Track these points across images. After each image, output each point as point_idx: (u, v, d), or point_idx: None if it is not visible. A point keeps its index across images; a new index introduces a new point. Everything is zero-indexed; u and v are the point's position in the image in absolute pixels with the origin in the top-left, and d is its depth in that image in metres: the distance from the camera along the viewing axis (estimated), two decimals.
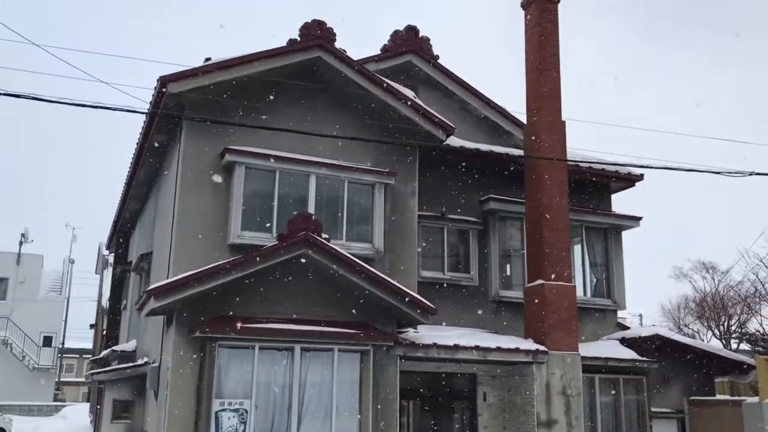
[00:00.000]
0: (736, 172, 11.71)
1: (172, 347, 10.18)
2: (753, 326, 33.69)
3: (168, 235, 11.41)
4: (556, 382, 12.12)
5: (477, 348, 11.77)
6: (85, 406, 30.53)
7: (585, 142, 26.72)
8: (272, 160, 11.31)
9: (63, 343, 41.66)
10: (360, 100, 12.11)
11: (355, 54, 12.40)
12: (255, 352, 10.28)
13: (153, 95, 11.14)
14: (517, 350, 11.97)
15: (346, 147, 11.80)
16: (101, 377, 13.82)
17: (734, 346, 35.12)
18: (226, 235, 10.97)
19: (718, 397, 15.53)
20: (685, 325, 40.72)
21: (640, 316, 44.42)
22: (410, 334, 11.76)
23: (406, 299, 10.96)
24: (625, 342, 13.70)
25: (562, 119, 13.37)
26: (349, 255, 10.74)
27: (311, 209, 11.34)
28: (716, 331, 38.18)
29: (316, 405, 10.52)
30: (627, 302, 15.20)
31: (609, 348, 13.50)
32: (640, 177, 15.32)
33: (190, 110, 11.18)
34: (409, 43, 14.85)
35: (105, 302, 24.68)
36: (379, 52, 14.65)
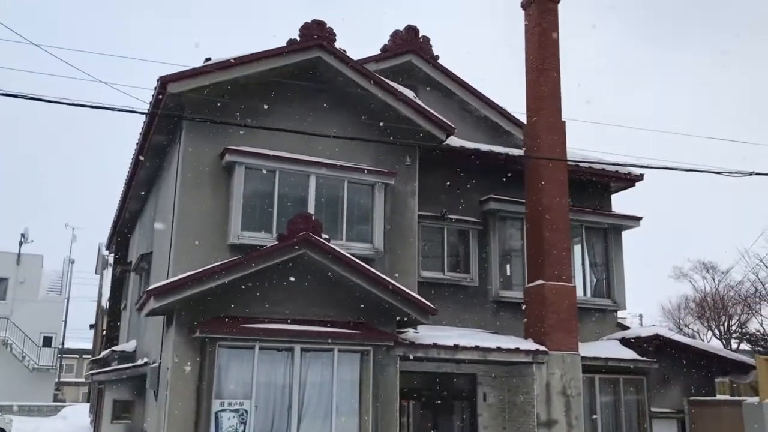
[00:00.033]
0: (736, 172, 11.71)
1: (172, 347, 10.18)
2: (753, 326, 33.75)
3: (168, 235, 11.41)
4: (556, 382, 12.12)
5: (477, 348, 11.77)
6: (85, 407, 30.52)
7: (585, 142, 26.72)
8: (272, 161, 11.31)
9: (63, 344, 41.66)
10: (360, 100, 12.11)
11: (355, 54, 12.42)
12: (255, 353, 10.28)
13: (153, 95, 11.14)
14: (517, 350, 11.97)
15: (346, 147, 11.80)
16: (101, 377, 13.83)
17: (734, 346, 35.13)
18: (226, 236, 10.97)
19: (718, 397, 15.52)
20: (685, 325, 40.73)
21: (640, 316, 44.45)
22: (410, 334, 11.76)
23: (406, 299, 10.96)
24: (625, 342, 13.70)
25: (562, 119, 13.37)
26: (349, 255, 10.74)
27: (311, 209, 11.34)
28: (716, 331, 38.19)
29: (316, 405, 10.52)
30: (627, 302, 15.21)
31: (609, 348, 13.51)
32: (640, 177, 15.32)
33: (190, 110, 11.17)
34: (409, 43, 14.84)
35: (105, 302, 24.68)
36: (379, 52, 14.64)
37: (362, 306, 11.05)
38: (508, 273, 14.26)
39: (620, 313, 15.99)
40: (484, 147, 14.10)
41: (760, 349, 28.71)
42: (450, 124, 12.57)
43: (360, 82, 11.93)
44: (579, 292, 13.72)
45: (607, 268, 15.07)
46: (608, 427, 13.18)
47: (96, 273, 35.35)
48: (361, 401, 10.71)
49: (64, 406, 34.44)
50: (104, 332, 22.93)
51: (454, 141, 13.30)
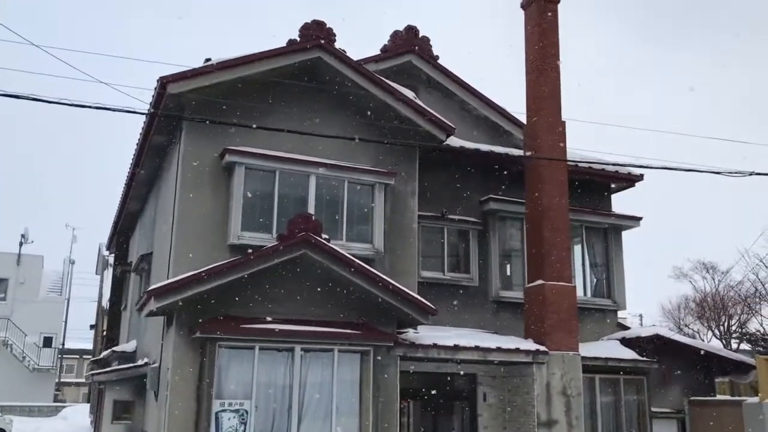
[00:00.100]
0: (736, 172, 11.71)
1: (173, 348, 10.18)
2: (753, 326, 33.74)
3: (168, 235, 11.41)
4: (557, 382, 12.12)
5: (477, 348, 11.77)
6: (86, 407, 30.53)
7: (585, 142, 26.70)
8: (272, 161, 11.31)
9: (63, 344, 41.70)
10: (360, 100, 12.11)
11: (355, 54, 12.42)
12: (255, 353, 10.28)
13: (153, 96, 11.14)
14: (517, 350, 11.97)
15: (346, 147, 11.80)
16: (101, 378, 13.83)
17: (734, 346, 35.12)
18: (226, 236, 10.97)
19: (719, 397, 15.53)
20: (686, 325, 40.73)
21: (641, 316, 44.47)
22: (410, 334, 11.76)
23: (406, 299, 10.96)
24: (626, 342, 13.70)
25: (562, 119, 13.38)
26: (348, 255, 10.74)
27: (311, 209, 11.34)
28: (716, 331, 38.19)
29: (317, 405, 10.52)
30: (627, 302, 15.21)
31: (609, 348, 13.51)
32: (640, 177, 15.32)
33: (190, 111, 11.17)
34: (409, 43, 14.84)
35: (105, 303, 24.69)
36: (379, 53, 14.65)
37: (362, 306, 11.05)
38: (508, 273, 14.26)
39: (620, 313, 15.99)
40: (484, 147, 14.10)
41: (760, 349, 28.71)
42: (450, 124, 12.57)
43: (360, 82, 11.93)
44: (579, 292, 13.72)
45: (607, 268, 15.08)
46: (608, 427, 13.18)
47: (96, 273, 35.38)
48: (361, 401, 10.71)
49: (64, 407, 34.47)
50: (104, 332, 22.94)
51: (454, 141, 13.31)
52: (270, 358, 10.40)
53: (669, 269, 53.84)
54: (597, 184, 15.32)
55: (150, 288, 10.51)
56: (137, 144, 13.51)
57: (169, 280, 10.19)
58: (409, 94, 12.53)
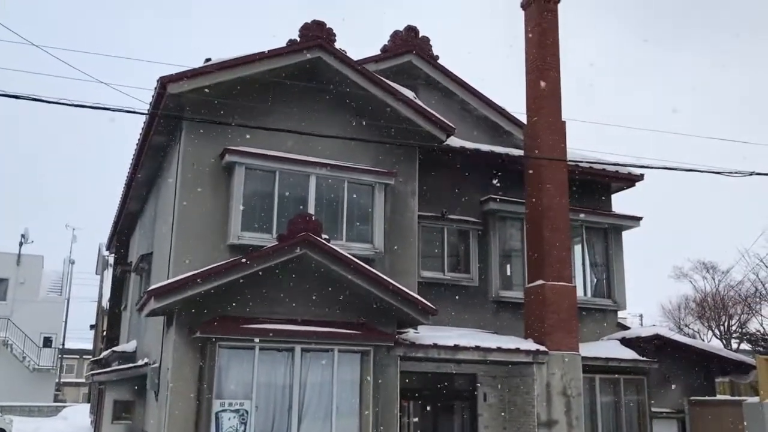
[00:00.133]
0: (736, 172, 11.71)
1: (173, 348, 10.18)
2: (753, 326, 33.72)
3: (168, 235, 11.41)
4: (557, 382, 12.12)
5: (477, 348, 11.77)
6: (86, 407, 30.51)
7: (585, 142, 26.70)
8: (272, 161, 11.31)
9: (63, 344, 41.70)
10: (360, 100, 12.11)
11: (355, 54, 12.42)
12: (255, 353, 10.28)
13: (153, 96, 11.14)
14: (517, 350, 11.97)
15: (346, 147, 11.80)
16: (102, 378, 13.83)
17: (735, 346, 35.12)
18: (226, 236, 10.97)
19: (719, 397, 15.53)
20: (686, 325, 40.72)
21: (641, 316, 44.47)
22: (410, 334, 11.76)
23: (407, 299, 10.96)
24: (626, 342, 13.69)
25: (562, 119, 13.37)
26: (348, 255, 10.74)
27: (311, 210, 11.34)
28: (716, 331, 38.18)
29: (317, 405, 10.52)
30: (627, 302, 15.21)
31: (609, 348, 13.50)
32: (641, 177, 15.32)
33: (190, 111, 11.17)
34: (409, 43, 14.84)
35: (105, 303, 24.69)
36: (379, 53, 14.64)
37: (362, 306, 11.04)
38: (509, 273, 14.26)
39: (620, 313, 15.99)
40: (484, 147, 14.10)
41: (761, 349, 28.71)
42: (450, 124, 12.57)
43: (360, 82, 11.93)
44: (579, 292, 13.72)
45: (608, 268, 15.07)
46: (608, 428, 13.18)
47: (96, 273, 35.38)
48: (361, 401, 10.71)
49: (64, 407, 34.46)
50: (105, 333, 22.94)
51: (454, 141, 13.31)
52: (270, 358, 10.40)
53: (669, 269, 53.85)
54: (597, 184, 15.32)
55: (150, 288, 10.51)
56: (137, 144, 13.50)
57: (170, 280, 10.18)
58: (409, 94, 12.53)
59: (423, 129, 12.40)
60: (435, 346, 11.51)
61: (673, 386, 13.98)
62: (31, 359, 38.10)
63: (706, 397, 14.03)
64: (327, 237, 10.78)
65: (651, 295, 60.77)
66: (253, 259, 10.25)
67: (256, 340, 10.23)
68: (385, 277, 10.94)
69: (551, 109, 13.29)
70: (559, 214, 12.87)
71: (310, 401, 10.49)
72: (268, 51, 11.39)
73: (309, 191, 11.53)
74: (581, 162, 14.07)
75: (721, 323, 38.08)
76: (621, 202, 16.96)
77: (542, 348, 12.13)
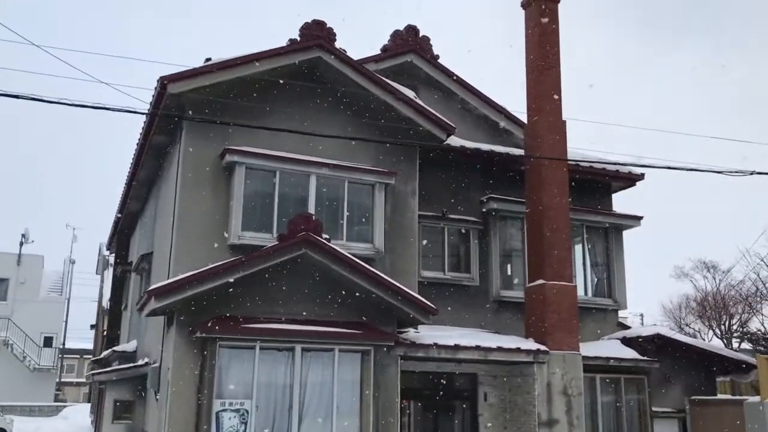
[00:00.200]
0: (737, 172, 11.70)
1: (173, 347, 10.18)
2: (754, 325, 33.71)
3: (168, 235, 11.40)
4: (557, 381, 12.11)
5: (478, 348, 11.76)
6: (86, 407, 30.55)
7: (585, 142, 26.73)
8: (272, 161, 11.30)
9: (64, 344, 41.73)
10: (360, 100, 12.10)
11: (355, 54, 12.41)
12: (256, 353, 10.27)
13: (153, 95, 11.14)
14: (518, 350, 11.96)
15: (346, 147, 11.79)
16: (102, 378, 13.82)
17: (735, 345, 35.11)
18: (226, 236, 10.97)
19: (720, 396, 15.52)
20: (687, 325, 40.72)
21: (641, 315, 44.51)
22: (411, 334, 11.76)
23: (407, 299, 10.95)
24: (626, 342, 13.68)
25: (563, 119, 13.37)
26: (349, 255, 10.74)
27: (311, 209, 11.34)
28: (717, 331, 38.17)
29: (317, 405, 10.52)
30: (628, 302, 15.19)
31: (610, 348, 13.49)
32: (641, 176, 15.31)
33: (191, 110, 11.17)
34: (409, 42, 14.83)
35: (106, 303, 24.70)
36: (379, 52, 14.63)
37: (363, 306, 11.04)
38: (509, 273, 14.25)
39: (621, 313, 15.98)
40: (485, 147, 14.09)
41: (761, 348, 28.67)
42: (450, 123, 12.56)
43: (360, 82, 11.92)
44: (580, 292, 13.71)
45: (608, 267, 15.06)
46: (609, 427, 13.17)
47: (97, 273, 35.41)
48: (361, 401, 10.71)
49: (65, 407, 34.50)
50: (105, 332, 22.94)
51: (454, 141, 13.30)
52: (270, 358, 10.40)
53: (670, 268, 53.76)
54: (598, 184, 15.30)
55: (150, 288, 10.50)
56: (137, 144, 13.50)
57: (170, 280, 10.18)
58: (409, 93, 12.53)
59: (423, 128, 12.39)
60: (435, 345, 11.51)
61: (674, 386, 13.97)
62: (32, 359, 38.13)
63: (707, 397, 14.03)
64: (327, 237, 10.78)
65: (652, 295, 60.93)
66: (254, 259, 10.25)
67: (257, 339, 10.22)
68: (385, 277, 10.94)
69: (552, 108, 13.28)
70: (559, 214, 12.86)
71: (311, 401, 10.49)
72: (269, 51, 11.39)
73: (309, 191, 11.52)
74: (582, 161, 14.07)
75: (722, 323, 38.08)
76: (621, 201, 16.96)
77: (543, 347, 12.12)
